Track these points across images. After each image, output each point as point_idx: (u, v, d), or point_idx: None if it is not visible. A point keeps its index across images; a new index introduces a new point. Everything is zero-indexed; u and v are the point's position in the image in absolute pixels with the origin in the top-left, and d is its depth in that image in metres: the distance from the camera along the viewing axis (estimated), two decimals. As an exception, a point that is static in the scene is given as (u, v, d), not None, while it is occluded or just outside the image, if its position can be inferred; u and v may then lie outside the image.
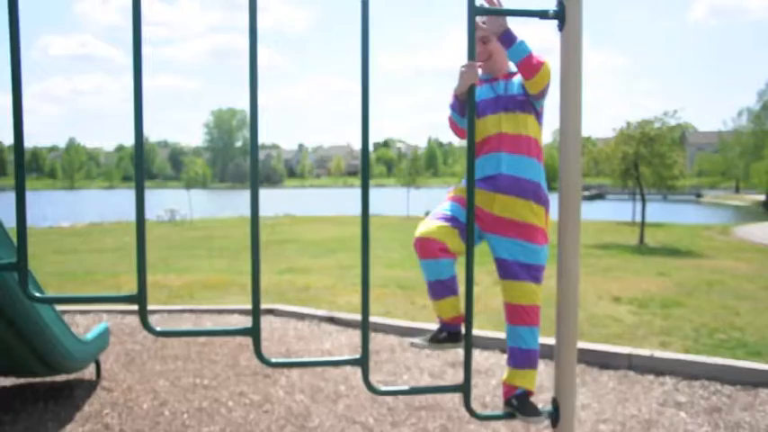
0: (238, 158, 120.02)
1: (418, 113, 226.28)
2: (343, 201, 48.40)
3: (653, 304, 8.17)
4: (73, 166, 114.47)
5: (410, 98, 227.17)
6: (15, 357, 4.10)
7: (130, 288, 9.94)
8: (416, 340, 3.20)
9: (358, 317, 7.22)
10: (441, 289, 3.10)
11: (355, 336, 6.79)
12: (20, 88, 2.31)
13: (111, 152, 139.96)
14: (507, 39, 2.82)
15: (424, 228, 3.02)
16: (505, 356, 5.91)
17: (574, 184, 2.76)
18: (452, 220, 2.99)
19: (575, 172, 2.75)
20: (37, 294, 2.45)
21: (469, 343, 2.68)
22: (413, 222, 27.19)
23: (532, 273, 3.06)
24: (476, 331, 6.24)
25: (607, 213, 32.32)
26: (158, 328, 2.39)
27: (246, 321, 7.39)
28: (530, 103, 3.01)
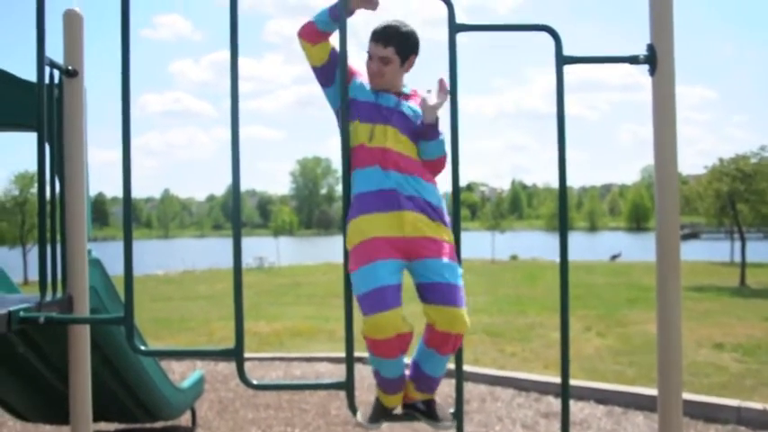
0: (324, 205, 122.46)
1: (501, 156, 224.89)
2: (427, 245, 48.30)
3: (760, 352, 7.69)
4: (167, 216, 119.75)
5: (492, 141, 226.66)
6: (120, 404, 4.27)
7: (222, 335, 10.20)
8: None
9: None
10: (402, 382, 2.78)
11: (444, 384, 6.67)
12: (128, 151, 2.46)
13: (202, 202, 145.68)
14: (433, 131, 2.58)
15: (386, 318, 2.54)
16: (600, 407, 5.68)
17: (672, 227, 2.65)
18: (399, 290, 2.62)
19: (672, 214, 2.65)
20: (142, 348, 2.55)
21: (566, 393, 2.59)
22: (498, 266, 26.87)
23: None
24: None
25: (702, 253, 30.91)
26: (255, 381, 2.44)
27: (335, 369, 7.43)
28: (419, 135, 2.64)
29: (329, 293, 16.01)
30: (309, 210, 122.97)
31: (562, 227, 2.58)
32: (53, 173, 2.94)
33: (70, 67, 3.03)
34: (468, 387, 6.58)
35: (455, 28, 2.52)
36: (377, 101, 2.62)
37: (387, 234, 2.53)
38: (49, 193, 2.90)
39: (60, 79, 2.99)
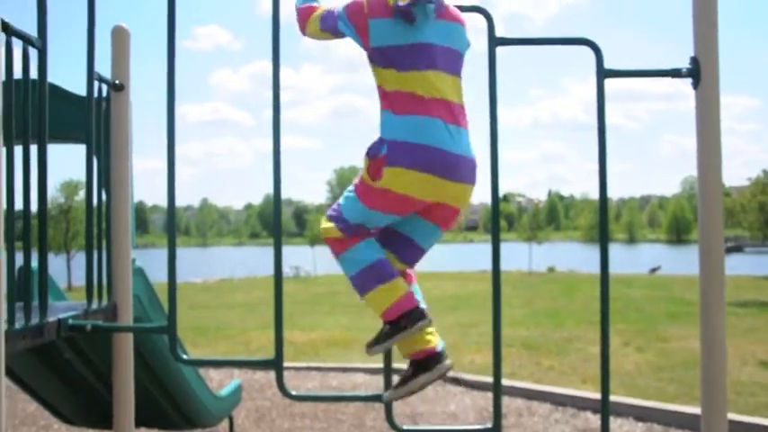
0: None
1: (537, 166, 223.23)
2: (462, 256, 48.12)
3: (807, 370, 7.49)
4: (205, 224, 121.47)
5: (529, 151, 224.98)
6: (160, 410, 4.33)
7: (259, 344, 10.29)
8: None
9: (483, 378, 7.09)
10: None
11: (480, 398, 6.66)
12: (173, 172, 2.52)
13: (239, 210, 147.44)
14: None
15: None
16: (639, 424, 5.58)
17: (716, 239, 2.60)
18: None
19: (716, 227, 2.59)
20: (184, 356, 2.60)
21: (606, 409, 2.56)
22: (535, 278, 26.63)
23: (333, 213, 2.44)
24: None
25: (746, 267, 30.16)
26: (293, 392, 2.47)
27: (371, 380, 7.44)
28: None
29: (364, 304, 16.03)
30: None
31: (602, 238, 2.56)
32: (100, 183, 3.02)
33: (117, 82, 3.12)
34: (505, 401, 6.53)
35: (495, 41, 2.53)
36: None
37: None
38: (95, 202, 2.98)
39: (108, 93, 3.08)
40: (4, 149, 2.14)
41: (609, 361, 2.54)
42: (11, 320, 2.24)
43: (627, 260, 40.06)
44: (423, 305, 2.43)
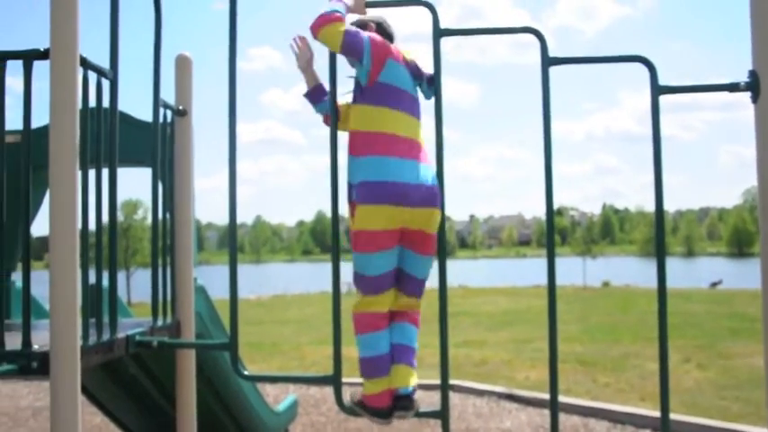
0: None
1: (591, 179, 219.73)
2: (515, 271, 47.65)
3: None
4: (258, 241, 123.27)
5: (582, 164, 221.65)
6: (220, 425, 4.44)
7: (313, 359, 10.40)
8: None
9: (538, 394, 7.02)
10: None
11: (536, 414, 6.59)
12: (234, 186, 2.62)
13: (292, 227, 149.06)
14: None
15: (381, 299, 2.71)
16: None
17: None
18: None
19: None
20: (245, 372, 2.68)
21: (667, 427, 2.52)
22: (589, 293, 26.14)
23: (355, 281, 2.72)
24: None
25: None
26: (350, 406, 2.51)
27: (424, 396, 7.41)
28: (357, 91, 2.67)
29: (417, 319, 16.04)
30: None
31: (659, 252, 2.54)
32: (164, 204, 3.15)
33: (180, 107, 3.25)
34: (561, 418, 6.42)
35: (548, 61, 2.55)
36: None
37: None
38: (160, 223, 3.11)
39: (172, 119, 3.22)
40: (79, 174, 2.26)
41: (668, 377, 2.51)
42: (85, 336, 2.36)
43: (685, 274, 39.00)
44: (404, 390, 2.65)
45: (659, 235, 2.55)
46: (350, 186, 2.62)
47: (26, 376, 4.72)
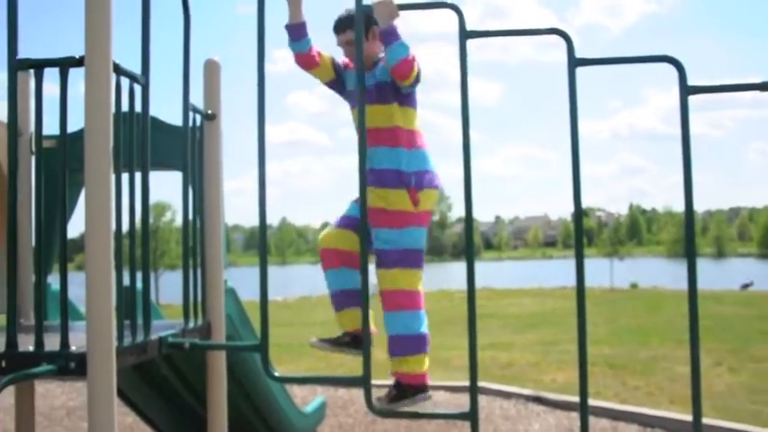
0: (436, 232, 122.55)
1: (617, 179, 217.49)
2: (541, 273, 47.30)
3: None
4: (284, 243, 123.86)
5: (607, 164, 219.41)
6: (250, 426, 4.49)
7: (340, 361, 10.42)
8: (315, 341, 3.19)
9: (566, 397, 6.98)
10: (344, 300, 3.07)
11: (564, 417, 6.55)
12: (264, 189, 2.65)
13: (317, 229, 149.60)
14: (389, 36, 2.76)
15: (323, 235, 3.10)
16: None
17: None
18: (348, 220, 3.03)
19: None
20: (276, 374, 2.71)
21: (700, 431, 2.50)
22: (617, 295, 25.87)
23: (396, 257, 2.93)
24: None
25: None
26: (379, 407, 2.53)
27: (452, 398, 7.43)
28: (394, 93, 2.93)
29: (444, 321, 15.98)
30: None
31: (689, 253, 2.51)
32: (194, 207, 3.20)
33: (210, 111, 3.29)
34: (591, 421, 6.37)
35: (575, 62, 2.54)
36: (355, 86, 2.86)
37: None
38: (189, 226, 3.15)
39: (201, 123, 3.26)
40: (113, 177, 2.31)
41: (700, 381, 2.49)
42: (120, 337, 2.40)
43: (716, 276, 38.42)
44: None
45: (689, 235, 2.53)
46: (401, 173, 2.90)
47: (62, 377, 4.82)
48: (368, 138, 2.74)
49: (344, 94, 3.10)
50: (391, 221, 2.90)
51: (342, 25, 2.96)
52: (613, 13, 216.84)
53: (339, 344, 3.12)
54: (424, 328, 2.91)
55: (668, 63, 2.52)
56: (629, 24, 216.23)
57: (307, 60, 2.99)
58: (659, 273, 39.49)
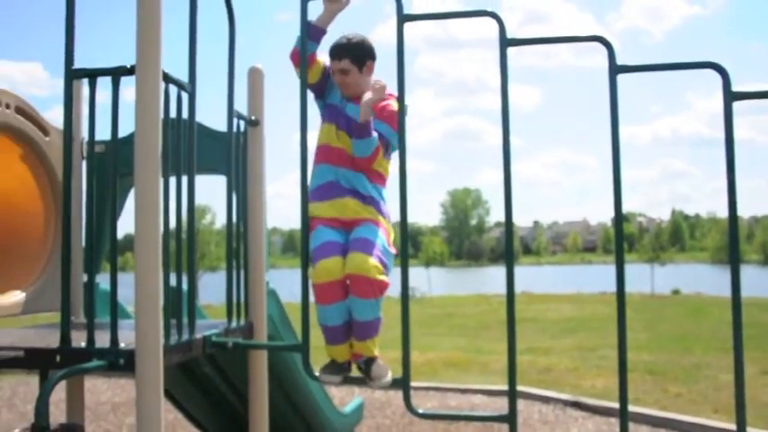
0: (474, 236, 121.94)
1: (658, 184, 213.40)
2: (580, 278, 46.67)
3: None
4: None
5: (648, 169, 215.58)
6: (290, 425, 4.55)
7: (377, 364, 10.48)
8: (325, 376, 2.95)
9: (605, 403, 6.91)
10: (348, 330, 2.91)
11: (603, 423, 6.49)
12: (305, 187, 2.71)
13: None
14: (362, 131, 2.89)
15: (321, 268, 2.83)
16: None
17: None
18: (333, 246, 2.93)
19: None
20: (316, 374, 2.77)
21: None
22: (658, 301, 25.42)
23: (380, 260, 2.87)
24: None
25: None
26: (420, 410, 2.57)
27: (490, 402, 7.43)
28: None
29: (481, 325, 15.95)
30: (460, 241, 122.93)
31: (733, 259, 2.50)
32: (238, 211, 3.28)
33: (253, 118, 3.38)
34: (630, 427, 6.31)
35: (616, 69, 2.54)
36: (339, 104, 3.09)
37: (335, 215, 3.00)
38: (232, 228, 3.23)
39: (245, 128, 3.35)
40: (161, 182, 2.39)
41: (744, 390, 2.47)
42: (167, 336, 2.48)
43: (762, 283, 37.33)
44: None
45: (733, 241, 2.51)
46: (386, 212, 3.09)
47: (106, 373, 4.95)
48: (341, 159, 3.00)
49: (321, 101, 3.15)
50: (382, 229, 3.00)
51: (338, 53, 3.01)
52: (655, 17, 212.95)
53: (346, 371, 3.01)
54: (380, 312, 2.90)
55: (712, 69, 2.51)
56: (671, 28, 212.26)
57: (307, 59, 2.97)
58: (703, 279, 38.66)
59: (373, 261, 2.78)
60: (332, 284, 2.78)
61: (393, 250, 2.97)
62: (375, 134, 2.92)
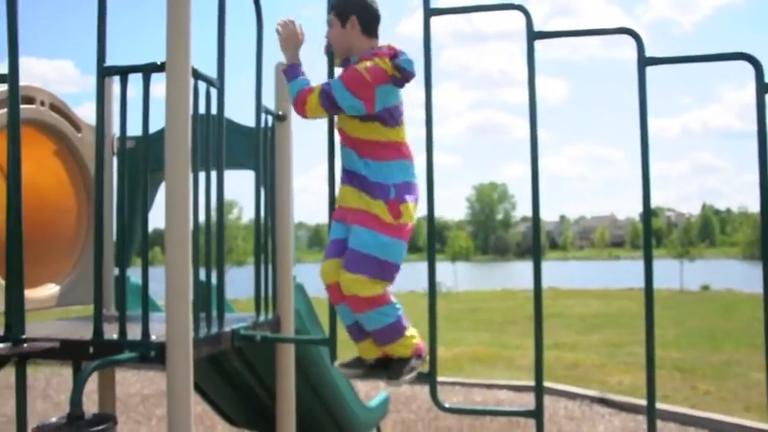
0: (500, 231, 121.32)
1: (687, 178, 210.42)
2: (608, 273, 46.22)
3: None
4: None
5: (677, 163, 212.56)
6: (315, 418, 4.59)
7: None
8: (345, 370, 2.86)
9: (632, 399, 6.86)
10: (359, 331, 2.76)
11: (630, 420, 6.44)
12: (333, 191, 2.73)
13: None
14: (284, 74, 2.71)
15: (324, 269, 2.73)
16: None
17: None
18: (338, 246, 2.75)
19: None
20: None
21: None
22: (687, 297, 25.09)
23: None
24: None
25: None
26: (447, 404, 2.57)
27: (515, 397, 7.40)
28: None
29: (507, 320, 15.89)
30: (485, 235, 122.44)
31: (765, 255, 2.46)
32: (266, 205, 3.31)
33: (280, 113, 3.40)
34: (658, 425, 6.25)
35: (644, 62, 2.52)
36: None
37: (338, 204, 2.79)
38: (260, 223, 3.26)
39: (273, 123, 3.37)
40: (191, 177, 2.42)
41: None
42: (196, 329, 2.52)
43: (794, 279, 36.68)
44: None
45: (765, 236, 2.48)
46: (380, 186, 2.66)
47: (136, 365, 5.03)
48: (342, 137, 2.75)
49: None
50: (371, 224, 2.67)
51: (329, 7, 2.78)
52: (684, 8, 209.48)
53: (368, 367, 2.88)
54: (395, 315, 2.69)
55: (744, 60, 2.47)
56: (701, 18, 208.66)
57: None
58: (733, 275, 38.02)
59: (359, 277, 2.58)
60: (332, 287, 2.71)
61: (389, 233, 2.62)
62: (301, 78, 2.67)
